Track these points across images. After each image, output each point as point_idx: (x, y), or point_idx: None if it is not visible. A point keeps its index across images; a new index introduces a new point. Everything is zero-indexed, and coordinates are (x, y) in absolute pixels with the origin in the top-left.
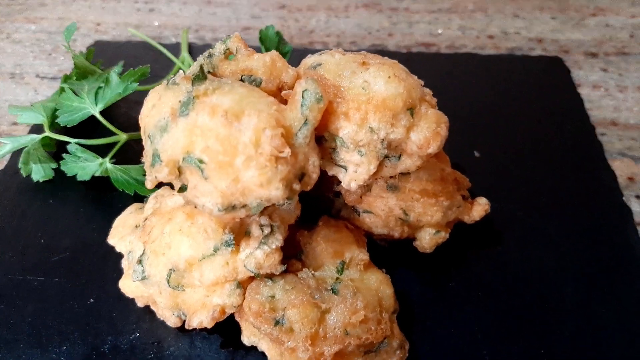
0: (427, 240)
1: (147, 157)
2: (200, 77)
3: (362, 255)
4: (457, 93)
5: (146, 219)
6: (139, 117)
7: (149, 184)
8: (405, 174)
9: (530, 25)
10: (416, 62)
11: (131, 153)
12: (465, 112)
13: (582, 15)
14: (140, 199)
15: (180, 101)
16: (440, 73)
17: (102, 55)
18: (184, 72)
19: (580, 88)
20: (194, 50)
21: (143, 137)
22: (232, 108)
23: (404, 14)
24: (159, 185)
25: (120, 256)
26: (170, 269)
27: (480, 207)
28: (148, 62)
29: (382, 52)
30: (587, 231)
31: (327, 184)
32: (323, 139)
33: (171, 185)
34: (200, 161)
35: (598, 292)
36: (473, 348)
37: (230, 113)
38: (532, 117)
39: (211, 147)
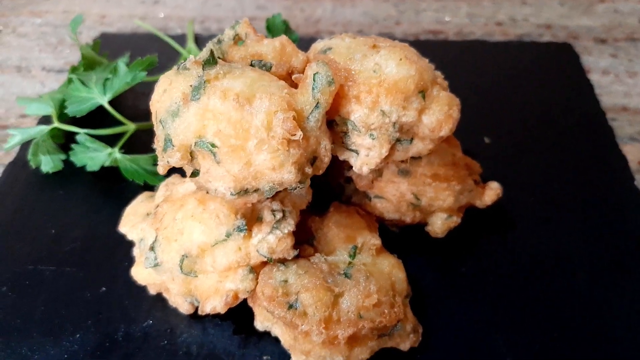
0: (439, 225)
1: (159, 142)
2: (210, 61)
3: (374, 240)
4: (466, 80)
5: (157, 207)
6: (150, 102)
7: (161, 169)
8: (416, 159)
9: (538, 12)
10: (424, 50)
11: (140, 143)
12: (475, 99)
13: (591, 1)
14: (150, 188)
15: (191, 86)
16: (448, 61)
17: (107, 48)
18: (193, 57)
19: (590, 74)
20: (200, 41)
21: (154, 123)
22: (244, 92)
23: (411, 2)
24: (169, 173)
25: (130, 245)
26: (183, 255)
27: (492, 192)
28: (154, 54)
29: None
30: (599, 216)
31: (338, 169)
32: (334, 123)
33: (182, 173)
34: (213, 145)
35: (610, 277)
36: (485, 332)
37: (242, 96)
38: (542, 103)
39: (223, 131)
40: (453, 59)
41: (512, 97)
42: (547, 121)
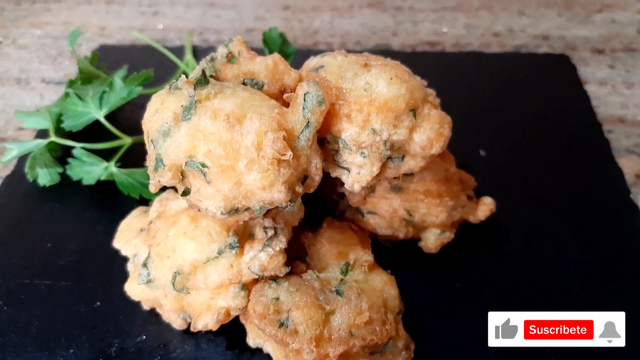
0: (432, 240)
1: (150, 162)
2: (202, 81)
3: (367, 257)
4: (462, 92)
5: (151, 223)
6: (142, 121)
7: (153, 188)
8: (409, 175)
9: (536, 23)
10: (421, 61)
11: (136, 156)
12: (471, 110)
13: (589, 12)
14: (146, 202)
15: (182, 105)
16: (445, 72)
17: (106, 59)
18: (186, 76)
19: (587, 85)
20: (198, 53)
21: (146, 142)
22: (234, 112)
23: (408, 13)
24: (164, 188)
25: (125, 260)
26: (175, 272)
27: (485, 207)
28: (152, 66)
29: (387, 51)
30: (595, 229)
31: (331, 185)
32: (325, 141)
33: (175, 189)
34: (203, 165)
35: (606, 290)
36: (479, 348)
37: (232, 117)
38: (539, 115)
39: (213, 151)
40: (450, 70)
41: (508, 109)
42: (543, 133)
